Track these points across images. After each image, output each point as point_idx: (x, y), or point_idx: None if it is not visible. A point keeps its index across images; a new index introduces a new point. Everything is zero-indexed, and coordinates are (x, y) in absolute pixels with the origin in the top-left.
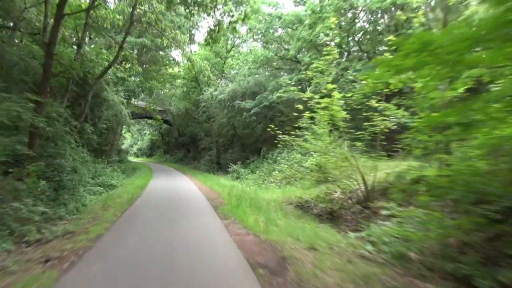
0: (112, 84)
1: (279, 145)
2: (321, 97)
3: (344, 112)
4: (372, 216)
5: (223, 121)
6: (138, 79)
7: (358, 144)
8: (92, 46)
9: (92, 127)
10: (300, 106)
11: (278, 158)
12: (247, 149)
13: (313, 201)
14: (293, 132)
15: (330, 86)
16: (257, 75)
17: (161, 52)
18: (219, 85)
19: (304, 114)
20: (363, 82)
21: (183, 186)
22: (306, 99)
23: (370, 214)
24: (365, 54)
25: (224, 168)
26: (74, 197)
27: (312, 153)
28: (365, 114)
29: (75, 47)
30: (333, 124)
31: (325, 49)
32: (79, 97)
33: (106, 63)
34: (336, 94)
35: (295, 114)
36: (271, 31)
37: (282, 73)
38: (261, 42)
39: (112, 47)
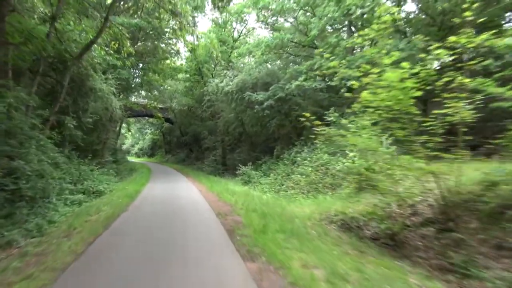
0: (100, 70)
1: (316, 141)
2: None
3: (419, 92)
4: (474, 246)
5: (230, 116)
6: (134, 65)
7: (419, 138)
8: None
9: (75, 121)
10: (355, 83)
11: (297, 158)
12: (257, 148)
13: (362, 218)
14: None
15: (397, 53)
16: (269, 64)
17: (162, 45)
18: (226, 75)
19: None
20: (437, 51)
21: (184, 194)
22: (361, 73)
23: (461, 242)
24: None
25: (231, 169)
26: (40, 209)
27: (348, 152)
28: (446, 95)
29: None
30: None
31: (378, 10)
32: (57, 83)
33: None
34: (405, 65)
35: (314, 108)
36: (281, 19)
37: (292, 63)
38: (271, 31)
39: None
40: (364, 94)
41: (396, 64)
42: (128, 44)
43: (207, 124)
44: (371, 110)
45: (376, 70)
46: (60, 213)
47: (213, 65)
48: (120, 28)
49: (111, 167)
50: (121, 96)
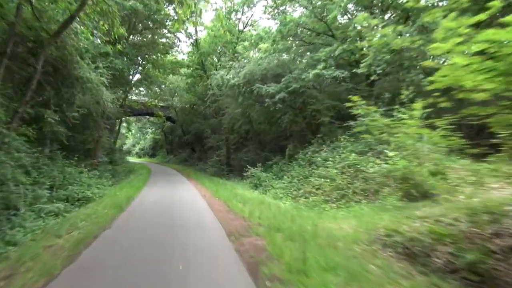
0: (88, 58)
1: (341, 137)
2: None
3: None
4: None
5: (237, 112)
6: (131, 57)
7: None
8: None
9: (58, 115)
10: (429, 63)
11: (317, 158)
12: (266, 147)
13: (425, 239)
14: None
15: (496, 3)
16: (275, 58)
17: (162, 40)
18: (232, 67)
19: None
20: None
21: (185, 201)
22: (441, 37)
23: None
24: None
25: (237, 170)
26: (0, 225)
27: (386, 151)
28: None
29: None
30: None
31: None
32: (34, 70)
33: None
34: None
35: (331, 101)
36: (289, 9)
37: (300, 58)
38: (282, 20)
39: None
40: (458, 60)
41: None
42: (119, 24)
43: (210, 122)
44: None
45: (464, 30)
46: (26, 229)
47: (216, 59)
48: (110, 4)
49: (106, 168)
50: (115, 90)
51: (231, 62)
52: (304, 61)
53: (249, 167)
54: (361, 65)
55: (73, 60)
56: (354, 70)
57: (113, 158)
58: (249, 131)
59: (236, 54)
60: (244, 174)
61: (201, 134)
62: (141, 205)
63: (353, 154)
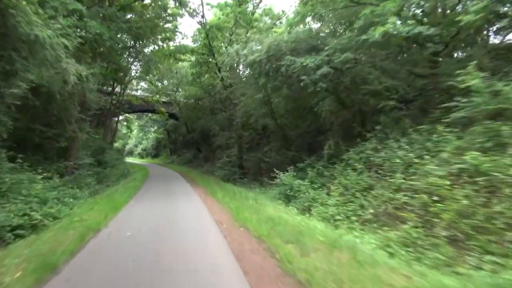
0: (38, 5)
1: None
2: None
3: None
4: None
5: (256, 98)
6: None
7: None
8: None
9: None
10: None
11: (395, 160)
12: (293, 144)
13: None
14: None
15: None
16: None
17: (168, 25)
18: (249, 40)
19: None
20: None
21: (188, 244)
22: None
23: None
24: None
25: (252, 174)
26: None
27: None
28: None
29: None
30: None
31: None
32: None
33: None
34: None
35: (389, 80)
36: None
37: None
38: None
39: None
40: None
41: None
42: None
43: (218, 118)
44: None
45: None
46: None
47: (228, 35)
48: None
49: (87, 173)
50: (92, 65)
51: (248, 34)
52: (363, 14)
53: (276, 171)
54: (472, 7)
55: (14, 6)
56: (458, 18)
57: (103, 160)
58: (266, 126)
59: (254, 28)
60: (264, 179)
61: (208, 132)
62: (98, 256)
63: (471, 153)
